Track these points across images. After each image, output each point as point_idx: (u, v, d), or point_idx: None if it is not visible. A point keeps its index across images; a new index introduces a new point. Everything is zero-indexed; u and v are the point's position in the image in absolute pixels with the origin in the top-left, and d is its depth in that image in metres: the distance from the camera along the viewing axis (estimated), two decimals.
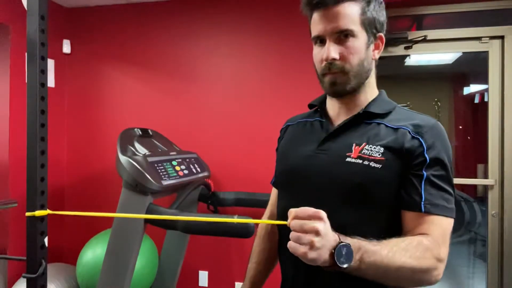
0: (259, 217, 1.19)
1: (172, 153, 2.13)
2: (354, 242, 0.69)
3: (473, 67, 4.16)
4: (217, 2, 2.61)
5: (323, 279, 0.84)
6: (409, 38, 2.38)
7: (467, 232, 4.34)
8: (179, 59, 2.68)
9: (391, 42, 2.42)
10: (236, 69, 2.58)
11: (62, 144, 2.87)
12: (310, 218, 0.65)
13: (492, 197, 2.33)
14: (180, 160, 2.12)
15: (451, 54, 3.27)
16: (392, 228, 0.82)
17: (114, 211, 1.86)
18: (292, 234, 0.65)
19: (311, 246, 0.63)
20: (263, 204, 1.31)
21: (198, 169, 2.23)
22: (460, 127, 4.96)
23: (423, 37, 2.35)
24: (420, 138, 0.82)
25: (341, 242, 0.66)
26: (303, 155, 0.93)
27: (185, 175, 2.03)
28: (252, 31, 2.52)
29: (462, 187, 4.54)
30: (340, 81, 0.86)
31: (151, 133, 2.27)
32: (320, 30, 0.85)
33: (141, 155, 1.88)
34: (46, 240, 0.98)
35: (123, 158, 1.82)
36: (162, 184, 1.79)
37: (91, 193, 2.83)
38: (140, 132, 2.17)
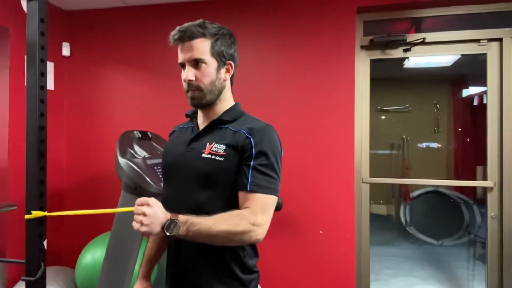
0: None
1: None
2: (182, 217, 0.97)
3: (472, 69, 4.17)
4: (217, 5, 2.62)
5: (184, 247, 1.14)
6: (408, 40, 2.39)
7: (466, 234, 4.34)
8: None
9: (390, 44, 2.43)
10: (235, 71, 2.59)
11: (62, 147, 2.87)
12: (143, 204, 0.93)
13: (492, 199, 2.33)
14: None
15: (449, 57, 3.28)
16: (234, 205, 1.08)
17: (113, 215, 1.86)
18: (134, 216, 0.94)
19: (141, 223, 0.92)
20: None
21: None
22: (459, 129, 4.97)
23: (422, 40, 2.36)
24: (250, 137, 1.11)
25: (169, 218, 0.94)
26: (176, 153, 1.21)
27: None
28: (251, 35, 2.53)
29: (462, 189, 4.55)
30: (197, 96, 1.15)
31: (150, 135, 2.27)
32: (181, 58, 1.15)
33: (140, 157, 1.88)
34: (45, 243, 0.98)
35: (122, 161, 1.82)
36: (161, 187, 1.79)
37: (90, 196, 2.83)
38: (139, 135, 2.17)
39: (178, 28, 1.17)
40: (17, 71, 2.42)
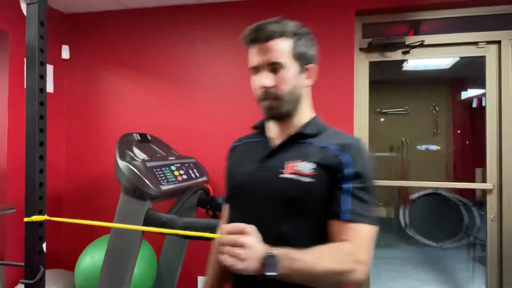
0: None
1: (170, 158, 2.13)
2: (280, 251, 0.77)
3: (471, 72, 4.19)
4: (216, 8, 2.63)
5: (254, 285, 0.91)
6: (407, 43, 2.39)
7: (466, 237, 4.34)
8: (178, 65, 2.69)
9: (388, 47, 2.43)
10: (235, 74, 2.59)
11: (61, 149, 2.87)
12: (239, 233, 0.76)
13: (491, 201, 2.33)
14: (179, 165, 2.12)
15: (448, 59, 3.29)
16: (323, 236, 0.91)
17: (112, 217, 1.85)
18: (224, 248, 0.75)
19: (239, 258, 0.73)
20: None
21: (197, 174, 2.23)
22: (458, 131, 4.97)
23: (421, 42, 2.36)
24: (344, 156, 0.93)
25: (268, 252, 0.75)
26: (247, 172, 1.03)
27: (184, 180, 2.03)
28: None
29: (461, 191, 4.55)
30: (275, 106, 0.98)
31: (149, 138, 2.27)
32: (256, 61, 0.98)
33: (139, 160, 1.88)
34: (44, 246, 0.98)
35: (121, 163, 1.81)
36: (161, 189, 1.79)
37: (90, 198, 2.82)
38: (139, 137, 2.17)
39: (253, 26, 1.00)
40: (16, 73, 2.43)
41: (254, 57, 0.99)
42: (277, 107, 0.98)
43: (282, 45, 0.97)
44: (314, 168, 0.93)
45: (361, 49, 2.50)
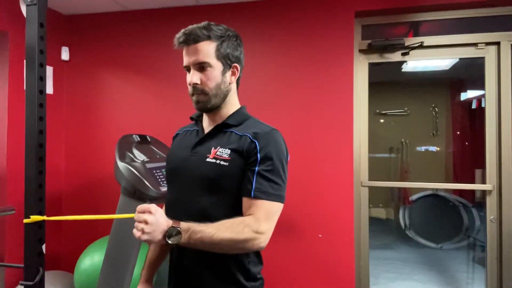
0: None
1: None
2: (184, 225, 0.95)
3: (470, 73, 4.19)
4: (215, 9, 2.63)
5: (190, 259, 1.12)
6: (406, 44, 2.39)
7: (466, 238, 4.34)
8: (178, 66, 2.69)
9: (388, 48, 2.43)
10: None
11: (60, 151, 2.87)
12: (144, 211, 0.91)
13: (490, 202, 2.33)
14: None
15: (447, 60, 3.29)
16: (238, 211, 1.06)
17: (112, 219, 1.85)
18: (135, 223, 0.91)
19: (142, 231, 0.89)
20: None
21: None
22: (458, 132, 4.98)
23: (420, 43, 2.37)
24: (256, 142, 1.08)
25: (171, 226, 0.92)
26: (181, 157, 1.19)
27: None
28: (249, 39, 2.53)
29: (461, 192, 4.55)
30: (202, 100, 1.13)
31: (149, 139, 2.27)
32: (186, 61, 1.13)
33: (139, 161, 1.88)
34: (43, 247, 0.97)
35: (121, 165, 1.81)
36: (160, 191, 1.79)
37: (89, 200, 2.82)
38: (139, 139, 2.17)
39: (182, 30, 1.13)
40: (16, 75, 2.43)
41: (185, 57, 1.13)
42: (204, 101, 1.13)
43: (207, 47, 1.10)
44: (230, 153, 1.09)
45: (360, 51, 2.50)
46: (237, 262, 1.10)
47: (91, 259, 2.18)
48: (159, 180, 1.85)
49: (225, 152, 1.09)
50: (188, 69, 1.14)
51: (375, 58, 2.50)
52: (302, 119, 2.48)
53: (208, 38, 1.11)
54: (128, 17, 2.78)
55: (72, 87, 2.89)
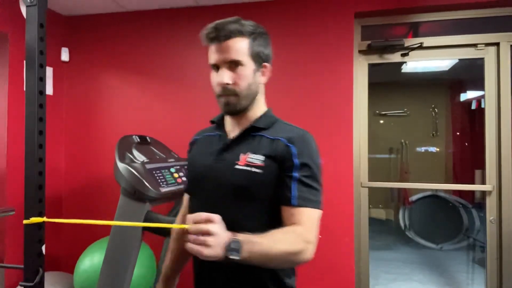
0: None
1: (170, 160, 2.13)
2: (242, 236, 0.84)
3: (469, 73, 4.19)
4: (215, 10, 2.63)
5: (221, 273, 1.04)
6: (406, 45, 2.40)
7: (465, 238, 4.34)
8: (178, 66, 2.69)
9: (388, 49, 2.44)
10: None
11: (60, 152, 2.87)
12: (205, 222, 0.80)
13: (490, 202, 2.33)
14: (178, 167, 2.12)
15: (447, 61, 3.30)
16: (273, 220, 0.99)
17: (112, 219, 1.85)
18: (190, 237, 0.79)
19: (205, 245, 0.77)
20: None
21: None
22: (458, 133, 4.98)
23: (419, 44, 2.37)
24: (291, 146, 1.01)
25: (232, 238, 0.81)
26: (205, 164, 1.10)
27: (183, 182, 2.03)
28: None
29: (460, 193, 4.55)
30: (232, 102, 1.04)
31: (149, 140, 2.27)
32: (215, 59, 1.03)
33: (139, 162, 1.88)
34: (43, 248, 0.97)
35: (121, 165, 1.81)
36: (160, 191, 1.79)
37: (89, 201, 2.82)
38: (138, 139, 2.17)
39: (212, 25, 1.03)
40: (16, 76, 2.43)
41: (214, 55, 1.03)
42: (235, 103, 1.05)
43: (240, 44, 1.02)
44: (263, 160, 1.01)
45: (360, 51, 2.50)
46: (270, 273, 1.02)
47: (91, 260, 2.18)
48: (159, 180, 1.85)
49: (257, 159, 1.01)
50: (216, 67, 1.05)
51: (375, 59, 2.50)
52: (301, 120, 2.47)
53: (241, 34, 1.02)
54: (128, 18, 2.78)
55: (71, 88, 2.89)
